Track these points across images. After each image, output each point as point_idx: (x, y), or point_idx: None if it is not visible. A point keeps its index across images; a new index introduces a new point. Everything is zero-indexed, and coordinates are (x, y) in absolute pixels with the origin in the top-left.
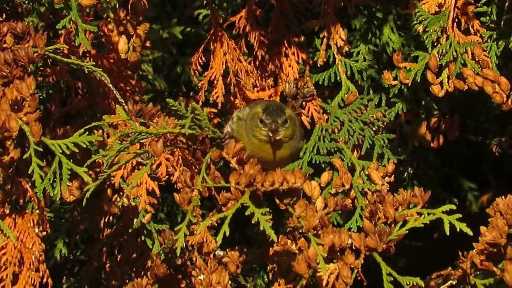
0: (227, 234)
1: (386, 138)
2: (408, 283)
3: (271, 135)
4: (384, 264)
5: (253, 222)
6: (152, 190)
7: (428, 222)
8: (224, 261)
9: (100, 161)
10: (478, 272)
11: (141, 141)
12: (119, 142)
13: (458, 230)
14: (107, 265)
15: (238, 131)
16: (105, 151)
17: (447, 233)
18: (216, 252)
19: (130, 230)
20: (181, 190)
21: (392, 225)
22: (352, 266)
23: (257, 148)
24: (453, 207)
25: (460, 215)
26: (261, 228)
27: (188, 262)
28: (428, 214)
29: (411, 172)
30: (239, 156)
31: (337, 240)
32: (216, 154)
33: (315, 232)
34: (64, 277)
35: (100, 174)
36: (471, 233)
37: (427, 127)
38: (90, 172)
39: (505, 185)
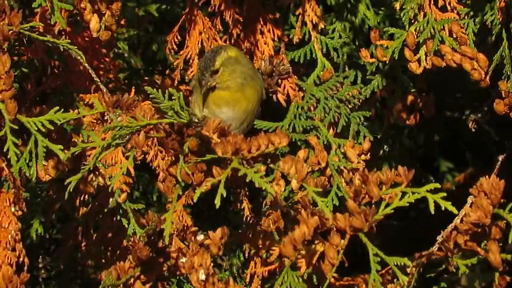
0: (224, 195)
1: (362, 116)
2: (394, 263)
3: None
4: (371, 244)
5: (247, 180)
6: (127, 169)
7: (413, 201)
8: (205, 243)
9: (76, 140)
10: (460, 253)
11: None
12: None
13: (442, 209)
14: (83, 244)
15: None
16: (87, 144)
17: (432, 212)
18: (197, 237)
19: (105, 210)
20: (165, 179)
21: (376, 205)
22: (337, 247)
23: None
24: (438, 185)
25: (445, 194)
26: (257, 185)
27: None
28: (413, 193)
29: (387, 150)
30: (220, 130)
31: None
32: (194, 143)
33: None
34: (40, 256)
35: (82, 166)
36: (456, 212)
37: (403, 104)
38: (66, 151)
39: (482, 163)
